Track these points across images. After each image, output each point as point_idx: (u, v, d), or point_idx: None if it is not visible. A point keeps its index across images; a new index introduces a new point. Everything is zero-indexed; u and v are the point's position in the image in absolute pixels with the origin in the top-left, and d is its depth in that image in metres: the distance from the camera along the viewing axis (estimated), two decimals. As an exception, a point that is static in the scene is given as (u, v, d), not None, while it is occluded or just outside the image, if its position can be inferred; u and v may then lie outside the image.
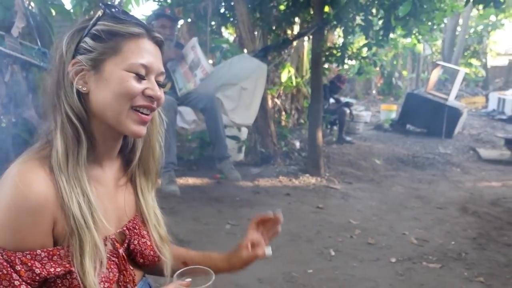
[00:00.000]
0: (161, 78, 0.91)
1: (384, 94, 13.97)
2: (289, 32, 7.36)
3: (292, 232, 3.62)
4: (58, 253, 0.81)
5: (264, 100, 5.23)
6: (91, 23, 0.86)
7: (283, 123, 7.17)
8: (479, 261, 3.19)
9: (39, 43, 4.71)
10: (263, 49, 5.56)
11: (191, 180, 4.77)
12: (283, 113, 7.51)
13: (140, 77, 0.86)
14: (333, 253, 3.26)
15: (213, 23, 7.04)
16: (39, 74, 5.11)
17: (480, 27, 14.83)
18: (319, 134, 5.27)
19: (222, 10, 6.30)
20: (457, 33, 13.10)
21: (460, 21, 13.02)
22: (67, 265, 0.81)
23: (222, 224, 3.69)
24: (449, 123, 7.72)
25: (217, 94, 4.69)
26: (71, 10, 5.68)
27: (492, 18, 14.32)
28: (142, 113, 0.87)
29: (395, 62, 14.01)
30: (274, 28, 6.11)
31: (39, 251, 0.80)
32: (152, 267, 1.01)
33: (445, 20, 7.79)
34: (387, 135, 8.12)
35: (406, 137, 7.91)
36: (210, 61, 6.87)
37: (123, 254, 0.91)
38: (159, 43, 0.91)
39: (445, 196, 4.72)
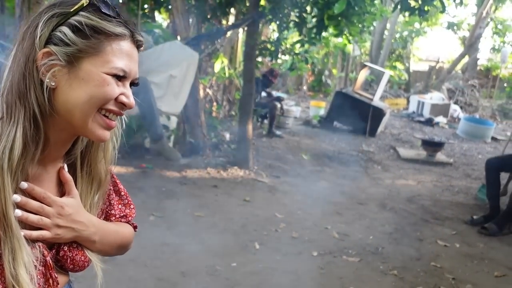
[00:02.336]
0: (135, 81, 0.84)
1: (314, 90, 14.33)
2: (224, 22, 7.29)
3: (217, 225, 3.59)
4: None
5: (195, 89, 5.14)
6: (71, 11, 0.75)
7: (214, 114, 7.10)
8: (394, 255, 3.36)
9: None
10: (196, 37, 5.46)
11: (114, 169, 4.48)
12: (215, 103, 7.43)
13: (118, 82, 0.78)
14: (257, 247, 3.28)
15: (145, 6, 6.79)
16: None
17: (405, 33, 15.69)
18: (249, 127, 5.28)
19: (156, -6, 6.08)
20: (384, 36, 13.74)
21: (388, 25, 13.67)
22: None
23: (145, 215, 3.57)
24: (373, 122, 8.07)
25: (146, 80, 4.53)
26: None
27: (416, 25, 15.21)
28: (108, 117, 0.80)
29: (326, 60, 14.41)
30: (208, 17, 6.01)
31: None
32: (81, 271, 0.93)
33: (374, 24, 8.13)
34: (315, 131, 8.33)
35: (333, 133, 8.17)
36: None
37: (50, 262, 0.83)
38: (139, 47, 0.83)
39: (366, 192, 4.93)
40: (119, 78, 0.79)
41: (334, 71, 14.43)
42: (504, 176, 4.42)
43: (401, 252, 3.44)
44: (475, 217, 4.22)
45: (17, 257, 0.73)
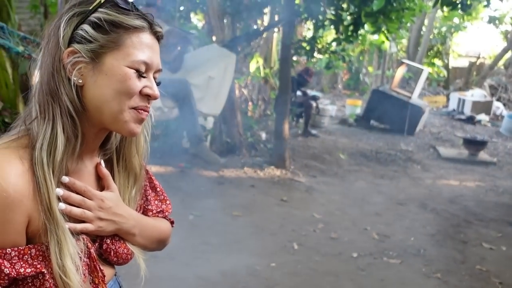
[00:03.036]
0: (157, 75, 0.85)
1: (350, 89, 14.15)
2: (259, 22, 7.29)
3: (256, 225, 3.60)
4: (29, 252, 0.76)
5: (231, 89, 5.16)
6: (90, 8, 0.78)
7: (249, 113, 7.12)
8: (437, 258, 3.27)
9: (-5, 18, 4.43)
10: (233, 39, 5.48)
11: (154, 168, 4.64)
12: (250, 103, 7.46)
13: (140, 75, 0.80)
14: (296, 247, 3.26)
15: (181, 8, 6.88)
16: (-6, 51, 4.83)
17: (444, 29, 15.24)
18: (286, 126, 5.26)
19: (192, -5, 6.15)
20: (422, 32, 13.40)
21: (426, 21, 13.32)
22: (38, 266, 0.76)
23: (185, 214, 3.62)
24: (412, 121, 7.90)
25: (185, 82, 4.60)
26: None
27: (456, 20, 14.74)
28: (138, 110, 0.82)
29: (361, 58, 14.19)
30: (244, 17, 6.03)
31: (9, 249, 0.74)
32: (126, 264, 0.96)
33: (414, 20, 7.91)
34: (352, 130, 8.22)
35: (369, 132, 8.04)
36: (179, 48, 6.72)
37: (94, 254, 0.85)
38: (159, 38, 0.85)
39: (405, 193, 4.83)
40: (142, 73, 0.80)
41: (370, 68, 14.19)
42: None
43: (444, 254, 3.34)
44: (522, 219, 4.05)
45: (63, 249, 0.76)
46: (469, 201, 4.65)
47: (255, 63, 7.30)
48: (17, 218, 0.74)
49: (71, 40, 0.78)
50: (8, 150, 0.76)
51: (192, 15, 7.98)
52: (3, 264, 0.73)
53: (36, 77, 0.81)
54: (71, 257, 0.77)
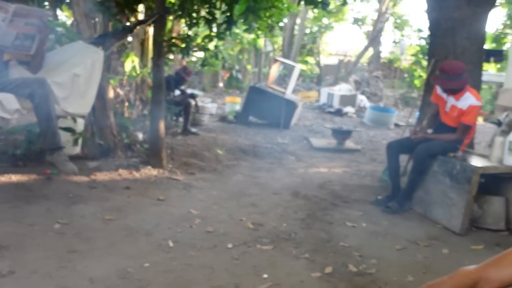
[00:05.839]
0: None
1: (231, 87, 14.43)
2: (132, 19, 7.06)
3: (129, 227, 3.48)
4: None
5: (102, 89, 4.93)
6: None
7: (126, 114, 6.87)
8: (306, 240, 3.49)
9: None
10: (101, 36, 5.24)
11: (15, 177, 4.24)
12: (126, 103, 7.20)
13: None
14: (171, 245, 3.23)
15: (46, 3, 6.39)
16: None
17: (315, 29, 16.32)
18: (161, 125, 5.18)
19: (55, -10, 5.74)
20: (295, 32, 14.18)
21: (298, 21, 14.12)
22: None
23: (50, 223, 3.36)
24: (287, 115, 8.33)
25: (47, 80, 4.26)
26: None
27: (325, 21, 15.89)
28: None
29: (240, 57, 14.55)
30: (115, 14, 5.79)
31: None
32: None
33: (285, 20, 8.33)
34: (231, 127, 8.40)
35: (248, 128, 8.28)
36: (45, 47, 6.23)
37: None
38: None
39: (280, 182, 5.07)
40: None
41: (248, 66, 14.62)
42: (404, 158, 4.76)
43: (313, 236, 3.58)
44: (379, 197, 4.51)
45: None
46: (336, 185, 5.04)
47: (131, 62, 7.06)
48: None
49: None
50: None
51: (59, 11, 7.46)
52: None
53: None
54: None
